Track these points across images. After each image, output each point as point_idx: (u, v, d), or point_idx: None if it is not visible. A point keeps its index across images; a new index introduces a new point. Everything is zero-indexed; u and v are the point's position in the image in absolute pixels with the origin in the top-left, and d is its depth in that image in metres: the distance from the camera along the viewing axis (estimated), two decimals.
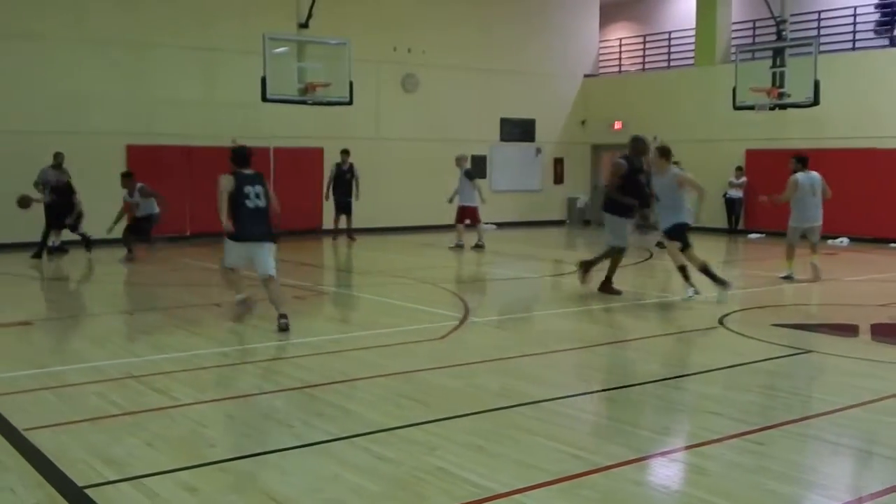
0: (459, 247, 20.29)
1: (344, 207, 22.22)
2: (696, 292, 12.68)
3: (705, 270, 12.81)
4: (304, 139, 23.56)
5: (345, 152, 22.03)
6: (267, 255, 10.74)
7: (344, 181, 22.09)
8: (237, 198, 10.56)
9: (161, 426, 6.63)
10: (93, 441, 6.17)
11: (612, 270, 13.41)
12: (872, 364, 9.06)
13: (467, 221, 20.66)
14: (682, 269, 12.85)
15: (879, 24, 25.12)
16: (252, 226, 10.64)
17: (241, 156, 10.92)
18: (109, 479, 5.41)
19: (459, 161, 20.72)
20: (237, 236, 10.63)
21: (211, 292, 13.90)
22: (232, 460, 5.79)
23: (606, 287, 13.30)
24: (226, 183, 10.58)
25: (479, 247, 20.27)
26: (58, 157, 18.55)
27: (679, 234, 12.87)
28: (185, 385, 7.92)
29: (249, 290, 11.25)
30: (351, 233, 22.22)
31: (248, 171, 10.85)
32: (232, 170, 10.79)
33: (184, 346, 9.58)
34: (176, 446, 6.10)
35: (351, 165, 22.07)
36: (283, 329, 10.22)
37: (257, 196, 10.67)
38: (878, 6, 25.06)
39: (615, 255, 13.42)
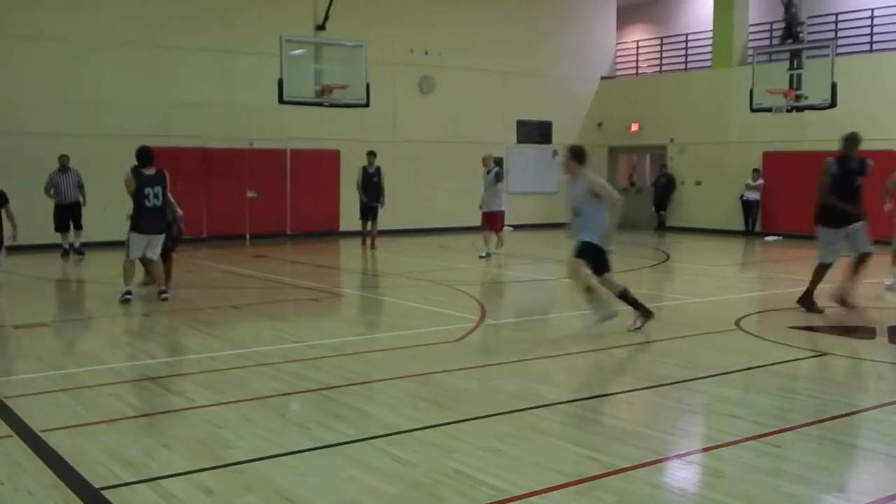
0: (489, 256, 18.80)
1: (371, 212, 21.15)
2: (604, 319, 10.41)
3: (624, 296, 10.59)
4: (321, 141, 23.61)
5: (371, 154, 21.06)
6: (159, 244, 12.82)
7: (371, 185, 21.04)
8: (138, 197, 12.47)
9: (177, 428, 6.67)
10: (109, 442, 6.19)
11: (813, 284, 11.98)
12: (890, 366, 9.03)
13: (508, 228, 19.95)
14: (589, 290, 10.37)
15: (783, 38, 25.41)
16: (151, 222, 12.60)
17: (141, 156, 12.66)
18: (126, 481, 5.43)
19: (487, 161, 19.24)
20: (140, 229, 12.56)
21: (228, 294, 13.94)
22: (248, 462, 5.80)
23: (806, 301, 11.92)
24: (128, 183, 12.58)
25: (491, 255, 18.98)
26: (62, 160, 18.70)
27: (588, 255, 10.27)
28: (202, 386, 7.95)
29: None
30: (373, 239, 21.16)
31: (149, 172, 12.61)
32: (134, 168, 12.63)
33: (200, 348, 9.62)
34: (192, 448, 6.12)
35: (378, 168, 21.05)
36: (164, 300, 12.61)
37: (156, 196, 12.51)
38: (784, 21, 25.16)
39: (821, 271, 11.96)
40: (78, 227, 18.93)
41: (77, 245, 18.93)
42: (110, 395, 7.56)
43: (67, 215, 18.81)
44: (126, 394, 7.63)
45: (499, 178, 19.18)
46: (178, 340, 10.23)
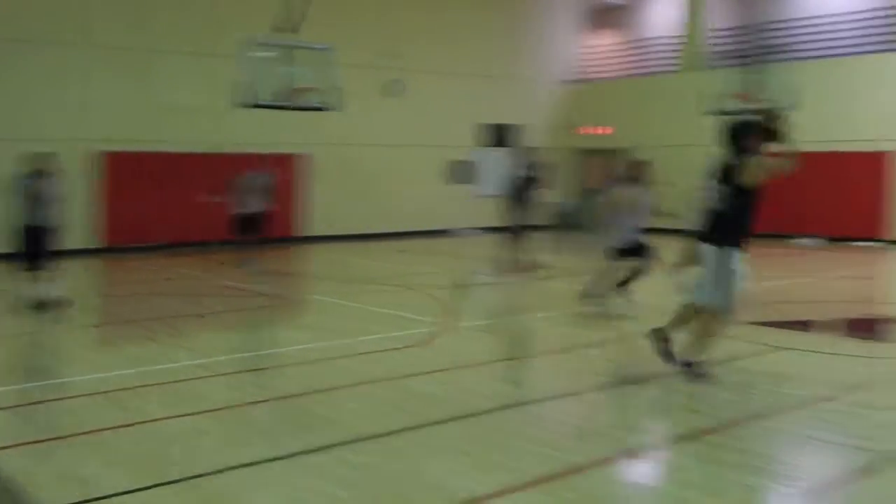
0: None
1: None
2: None
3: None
4: (287, 145, 23.40)
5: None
6: None
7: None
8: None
9: (133, 443, 6.49)
10: (59, 461, 6.04)
11: None
12: (846, 359, 9.15)
13: None
14: None
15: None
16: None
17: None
18: (79, 500, 5.29)
19: None
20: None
21: (202, 302, 13.82)
22: (204, 476, 5.71)
23: None
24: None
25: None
26: (46, 160, 12.58)
27: None
28: (159, 399, 7.76)
29: None
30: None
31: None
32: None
33: (158, 359, 9.36)
34: (147, 463, 5.98)
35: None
36: None
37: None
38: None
39: None
40: (48, 254, 12.48)
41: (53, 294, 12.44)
42: (61, 411, 7.40)
43: (40, 241, 12.36)
44: (77, 409, 7.43)
45: None
46: (134, 351, 9.86)
